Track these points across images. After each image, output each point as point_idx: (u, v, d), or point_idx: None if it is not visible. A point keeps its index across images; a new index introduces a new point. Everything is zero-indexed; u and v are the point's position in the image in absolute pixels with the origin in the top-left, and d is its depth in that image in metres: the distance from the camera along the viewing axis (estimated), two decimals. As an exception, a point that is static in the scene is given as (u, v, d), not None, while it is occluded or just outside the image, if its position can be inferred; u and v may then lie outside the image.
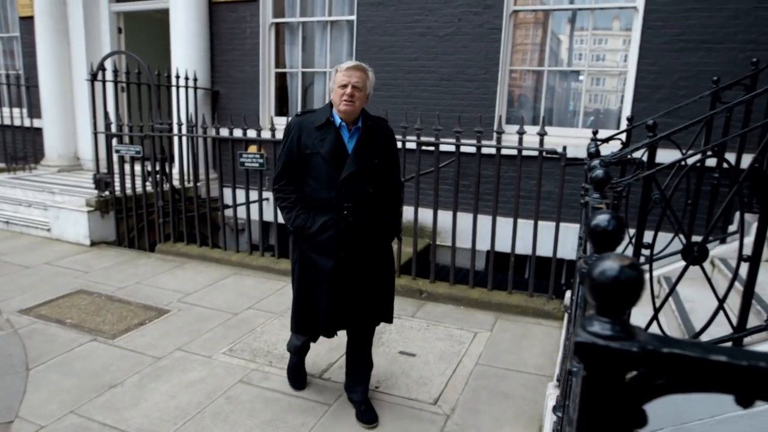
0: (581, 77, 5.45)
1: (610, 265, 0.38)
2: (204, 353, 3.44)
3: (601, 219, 0.52)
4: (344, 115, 2.54)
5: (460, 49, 5.44)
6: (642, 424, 0.41)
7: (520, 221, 4.28)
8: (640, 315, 2.57)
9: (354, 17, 5.87)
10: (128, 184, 5.78)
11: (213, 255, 5.35)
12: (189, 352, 3.44)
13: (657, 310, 2.35)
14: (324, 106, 2.66)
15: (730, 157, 3.71)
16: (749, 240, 2.28)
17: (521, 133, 4.07)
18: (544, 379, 3.19)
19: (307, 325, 2.79)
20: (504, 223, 4.48)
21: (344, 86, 2.49)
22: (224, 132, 5.40)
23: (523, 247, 4.43)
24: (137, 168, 5.77)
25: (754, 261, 2.18)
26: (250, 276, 4.95)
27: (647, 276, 2.40)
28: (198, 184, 5.80)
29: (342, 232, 2.58)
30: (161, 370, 3.21)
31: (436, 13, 5.46)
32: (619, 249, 2.38)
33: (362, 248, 2.63)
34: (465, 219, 4.59)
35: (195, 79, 6.24)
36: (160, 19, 7.36)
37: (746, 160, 3.54)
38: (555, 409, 2.11)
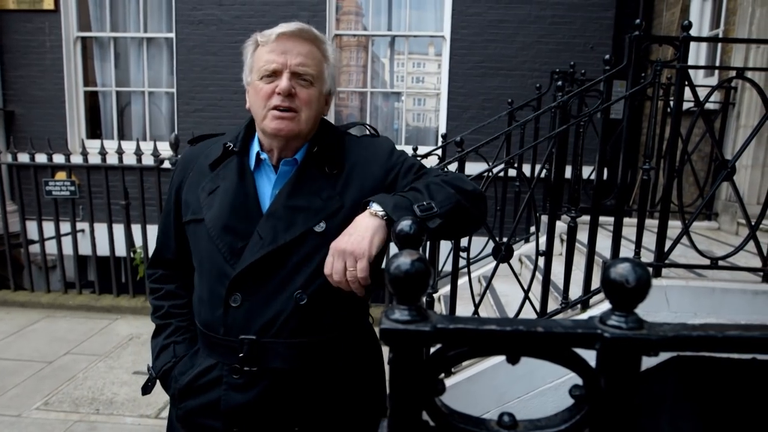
0: (402, 98, 5.88)
1: (403, 260, 0.45)
2: (11, 413, 2.97)
3: (404, 224, 0.61)
4: (275, 139, 1.21)
5: (287, 70, 5.50)
6: (441, 392, 0.49)
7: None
8: (467, 312, 2.86)
9: (173, 35, 5.61)
10: None
11: (17, 298, 4.65)
12: (-10, 414, 2.96)
13: (477, 305, 2.63)
14: (237, 126, 1.32)
15: (528, 168, 4.32)
16: (544, 239, 2.68)
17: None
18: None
19: None
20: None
21: (273, 75, 1.16)
22: (24, 157, 4.76)
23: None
24: None
25: (548, 255, 2.57)
26: (66, 317, 4.40)
27: (467, 277, 2.68)
28: (-8, 218, 5.01)
29: (235, 396, 1.20)
30: (-47, 441, 2.72)
31: (260, 34, 5.46)
32: (443, 254, 2.61)
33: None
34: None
35: (-18, 98, 5.42)
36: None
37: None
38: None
